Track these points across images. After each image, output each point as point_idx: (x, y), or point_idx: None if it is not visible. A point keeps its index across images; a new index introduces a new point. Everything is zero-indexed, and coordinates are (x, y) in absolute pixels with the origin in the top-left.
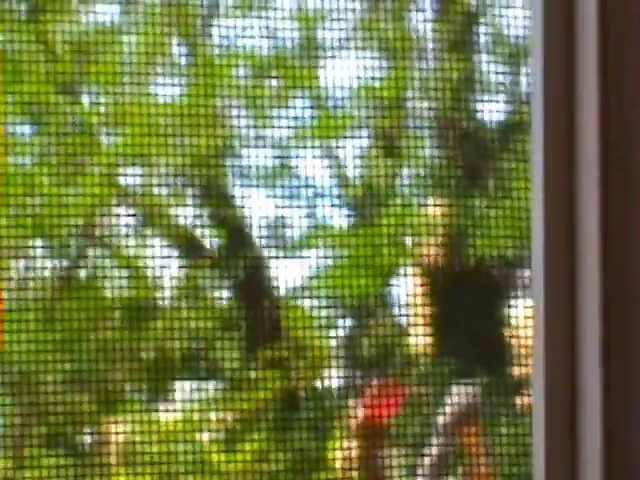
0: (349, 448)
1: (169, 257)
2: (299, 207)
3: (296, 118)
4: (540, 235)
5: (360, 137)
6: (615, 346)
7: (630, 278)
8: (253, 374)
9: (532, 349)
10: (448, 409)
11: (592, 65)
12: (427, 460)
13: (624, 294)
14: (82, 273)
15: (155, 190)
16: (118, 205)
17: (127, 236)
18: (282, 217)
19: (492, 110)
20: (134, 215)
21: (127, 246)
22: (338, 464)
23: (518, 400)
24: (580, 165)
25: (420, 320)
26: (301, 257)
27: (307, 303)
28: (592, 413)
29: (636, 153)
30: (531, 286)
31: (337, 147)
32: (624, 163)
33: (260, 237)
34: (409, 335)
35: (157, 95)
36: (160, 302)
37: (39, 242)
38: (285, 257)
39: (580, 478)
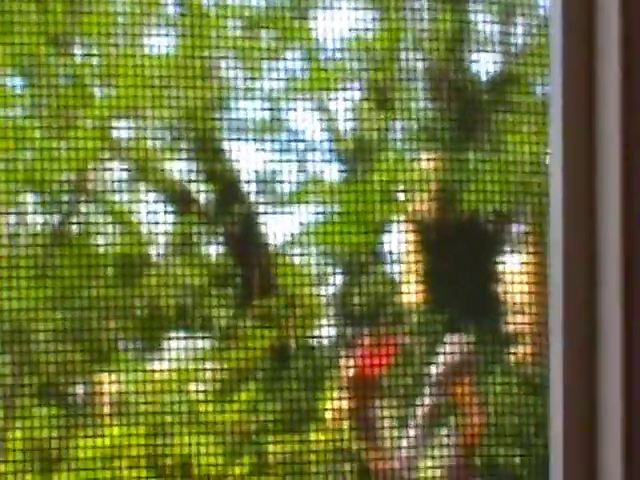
0: (341, 400)
1: (161, 211)
2: (291, 161)
3: (288, 71)
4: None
5: (352, 90)
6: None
7: None
8: (245, 327)
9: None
10: (440, 361)
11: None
12: (419, 412)
13: None
14: (74, 227)
15: (147, 143)
16: (110, 159)
17: (119, 190)
18: (274, 171)
19: (485, 63)
20: (126, 169)
21: (119, 200)
22: (330, 416)
23: (510, 352)
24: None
25: (412, 274)
26: (293, 211)
27: (299, 257)
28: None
29: None
30: (549, 239)
31: (329, 100)
32: None
33: (252, 191)
34: (401, 288)
35: (149, 48)
36: (152, 256)
37: (30, 196)
38: (277, 211)
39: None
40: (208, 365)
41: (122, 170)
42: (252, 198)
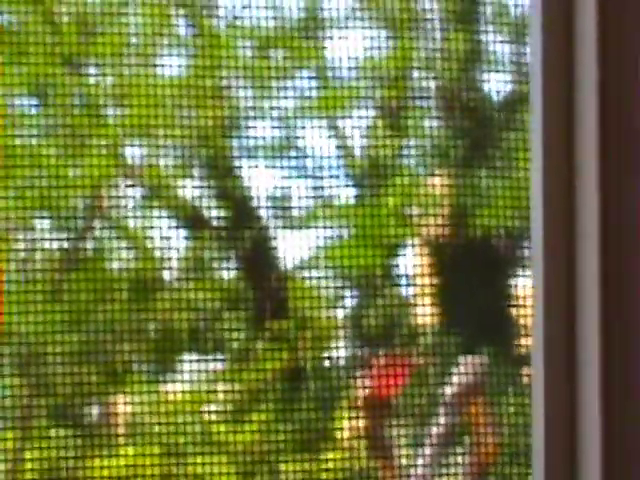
0: (355, 421)
1: (174, 233)
2: (304, 181)
3: (300, 92)
4: (539, 211)
5: (364, 111)
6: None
7: (629, 252)
8: (259, 348)
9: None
10: (454, 381)
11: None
12: (433, 433)
13: (623, 271)
14: (88, 248)
15: (160, 164)
16: (123, 180)
17: (132, 212)
18: (287, 191)
19: (496, 83)
20: (139, 189)
21: (133, 222)
22: (344, 437)
23: (523, 371)
24: (579, 136)
25: (425, 293)
26: (306, 231)
27: (312, 277)
28: (591, 382)
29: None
30: (531, 262)
31: (341, 121)
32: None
33: (265, 211)
34: (414, 308)
35: (162, 69)
36: (166, 276)
37: (44, 217)
38: (290, 231)
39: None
40: (221, 386)
41: (135, 192)
42: (265, 219)
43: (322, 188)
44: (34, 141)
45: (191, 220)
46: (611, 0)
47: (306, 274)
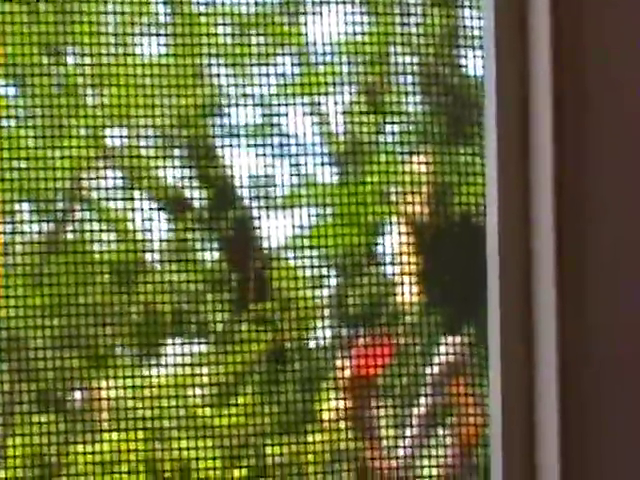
0: (338, 401)
1: (156, 217)
2: (285, 164)
3: (280, 75)
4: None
5: (345, 91)
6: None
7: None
8: (242, 331)
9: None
10: (437, 361)
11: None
12: (417, 412)
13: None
14: (69, 234)
15: (140, 150)
16: (104, 165)
17: (113, 197)
18: (268, 174)
19: (476, 60)
20: (120, 175)
21: (114, 207)
22: (328, 417)
23: None
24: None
25: (408, 274)
26: (288, 212)
27: (294, 260)
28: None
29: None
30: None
31: (322, 101)
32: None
33: (246, 193)
34: (397, 288)
35: (141, 54)
36: (148, 262)
37: (24, 204)
38: (272, 212)
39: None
40: (205, 370)
41: (116, 177)
42: (246, 202)
43: (303, 169)
44: (13, 127)
45: (172, 203)
46: None
47: (288, 255)
